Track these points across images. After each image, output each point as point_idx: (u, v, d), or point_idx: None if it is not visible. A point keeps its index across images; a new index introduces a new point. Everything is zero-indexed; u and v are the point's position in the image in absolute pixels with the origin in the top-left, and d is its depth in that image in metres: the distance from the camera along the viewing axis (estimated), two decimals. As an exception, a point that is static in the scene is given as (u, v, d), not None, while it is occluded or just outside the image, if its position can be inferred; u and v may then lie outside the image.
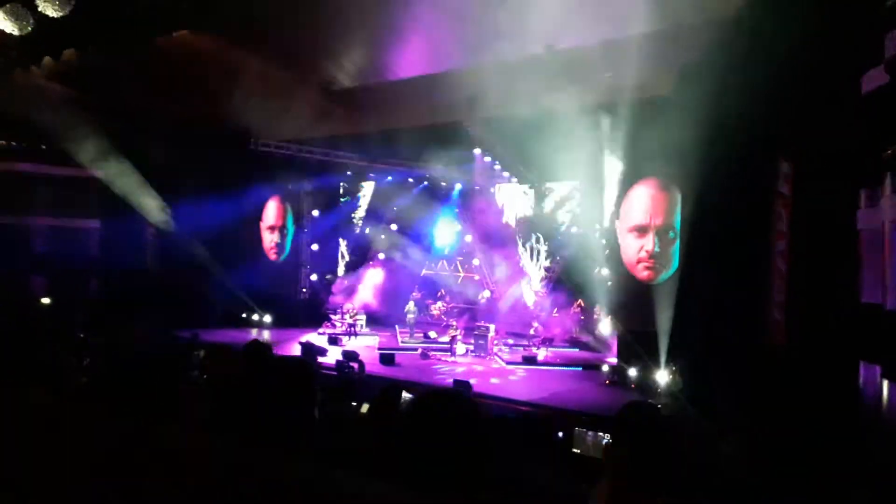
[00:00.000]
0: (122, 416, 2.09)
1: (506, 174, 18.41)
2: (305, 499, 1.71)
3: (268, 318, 21.02)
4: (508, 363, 16.04)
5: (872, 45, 7.83)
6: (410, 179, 21.34)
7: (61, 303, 17.86)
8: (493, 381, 14.16)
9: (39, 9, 9.93)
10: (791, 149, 9.82)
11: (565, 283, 19.31)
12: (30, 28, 10.32)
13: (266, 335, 19.20)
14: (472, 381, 13.07)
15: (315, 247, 22.90)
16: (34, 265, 18.66)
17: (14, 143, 19.04)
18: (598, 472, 2.30)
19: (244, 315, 20.64)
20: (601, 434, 2.35)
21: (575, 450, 2.42)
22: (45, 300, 18.35)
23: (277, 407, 1.97)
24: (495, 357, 16.62)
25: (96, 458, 2.11)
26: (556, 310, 19.67)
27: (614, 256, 14.42)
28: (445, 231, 22.15)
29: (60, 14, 10.13)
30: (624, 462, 2.30)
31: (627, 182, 13.93)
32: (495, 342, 17.21)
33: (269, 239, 22.48)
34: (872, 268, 8.14)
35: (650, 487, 2.34)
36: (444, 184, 21.27)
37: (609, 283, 15.58)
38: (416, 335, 19.05)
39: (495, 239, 21.10)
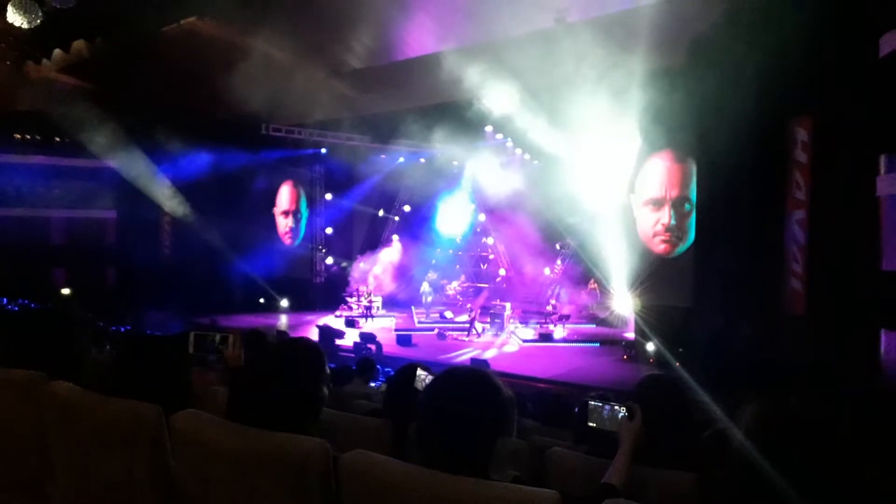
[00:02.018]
0: (141, 403, 2.11)
1: (518, 151, 18.27)
2: (319, 478, 1.72)
3: (285, 303, 21.17)
4: (525, 341, 16.05)
5: (889, 7, 7.65)
6: (422, 160, 21.23)
7: (81, 293, 18.09)
8: (511, 359, 14.19)
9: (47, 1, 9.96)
10: (807, 116, 9.65)
11: (581, 258, 19.23)
12: (38, 21, 10.34)
13: (283, 319, 19.36)
14: (489, 359, 13.12)
15: (329, 230, 22.94)
16: (53, 257, 18.87)
17: (28, 137, 19.18)
18: (613, 445, 2.29)
19: (261, 300, 20.81)
20: (616, 407, 2.32)
21: (590, 423, 2.40)
22: (65, 291, 18.60)
23: (284, 389, 1.97)
24: (512, 335, 16.64)
25: (118, 446, 2.13)
26: (572, 286, 19.63)
27: (630, 230, 14.33)
28: (456, 215, 22.02)
29: (68, 6, 10.15)
30: (641, 435, 2.28)
31: (642, 155, 13.78)
32: (511, 320, 17.22)
33: (284, 224, 22.56)
34: (892, 234, 8.03)
35: (667, 459, 2.33)
36: (455, 163, 21.16)
37: (626, 257, 15.49)
38: (432, 315, 19.10)
39: (509, 216, 21.03)
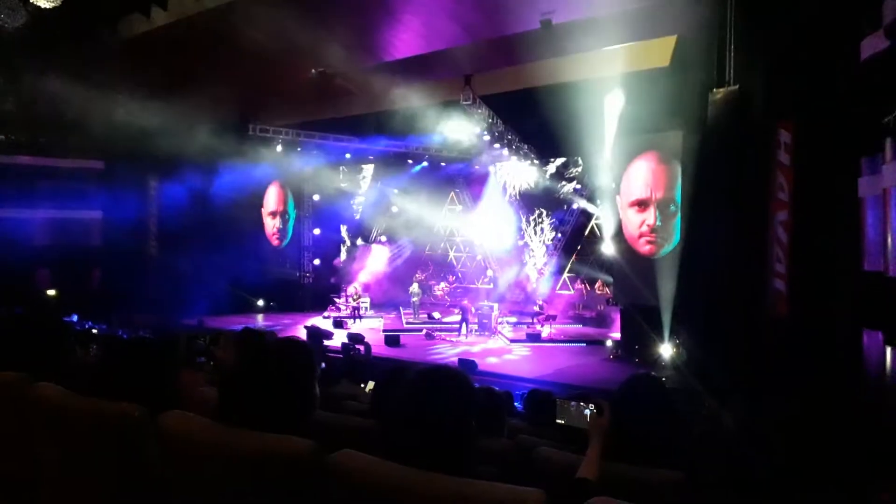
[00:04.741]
0: (128, 403, 2.11)
1: (506, 152, 18.32)
2: (307, 478, 1.73)
3: (272, 304, 21.09)
4: (513, 341, 16.10)
5: (871, 11, 7.74)
6: (410, 161, 21.25)
7: (66, 294, 17.93)
8: (498, 358, 14.23)
9: (31, 0, 9.87)
10: (790, 117, 9.75)
11: (569, 258, 19.34)
12: (22, 20, 10.26)
13: (271, 320, 19.29)
14: (476, 359, 13.16)
15: (317, 231, 22.89)
16: (38, 258, 18.67)
17: (14, 136, 18.97)
18: (583, 441, 2.31)
19: (249, 301, 20.72)
20: (583, 404, 2.37)
21: (559, 420, 2.45)
22: (51, 292, 18.42)
23: (276, 389, 1.98)
24: (499, 335, 16.68)
25: (104, 447, 2.14)
26: (559, 286, 19.72)
27: (616, 231, 14.41)
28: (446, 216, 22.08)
29: (52, 5, 10.07)
30: (609, 430, 2.30)
31: (628, 156, 13.87)
32: (499, 320, 17.26)
33: (271, 224, 22.48)
34: (874, 235, 8.13)
35: (653, 457, 2.36)
36: (443, 164, 21.19)
37: (612, 258, 15.59)
38: (420, 316, 19.11)
39: (497, 217, 21.09)
